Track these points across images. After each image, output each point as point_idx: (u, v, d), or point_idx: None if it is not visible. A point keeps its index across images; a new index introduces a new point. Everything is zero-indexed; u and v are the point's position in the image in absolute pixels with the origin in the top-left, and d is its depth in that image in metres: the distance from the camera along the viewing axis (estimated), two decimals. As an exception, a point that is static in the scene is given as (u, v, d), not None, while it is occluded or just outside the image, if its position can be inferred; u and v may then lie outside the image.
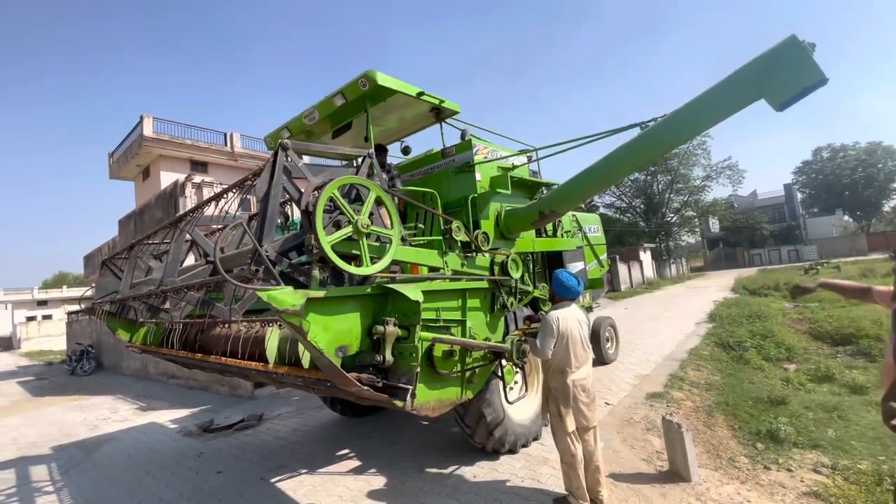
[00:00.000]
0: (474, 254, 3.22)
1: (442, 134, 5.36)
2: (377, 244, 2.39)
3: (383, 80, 4.15)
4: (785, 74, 2.99)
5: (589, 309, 9.10)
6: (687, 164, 38.41)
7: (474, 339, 2.98)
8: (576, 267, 7.22)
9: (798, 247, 43.69)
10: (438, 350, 2.63)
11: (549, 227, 6.92)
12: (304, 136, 5.31)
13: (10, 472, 5.40)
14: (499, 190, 4.92)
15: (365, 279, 2.43)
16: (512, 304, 3.39)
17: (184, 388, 10.10)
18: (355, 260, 2.22)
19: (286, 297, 1.85)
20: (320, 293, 2.01)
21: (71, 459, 5.72)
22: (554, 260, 6.94)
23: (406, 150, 5.48)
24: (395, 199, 4.49)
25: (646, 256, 34.25)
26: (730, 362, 7.69)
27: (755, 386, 6.36)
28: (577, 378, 3.16)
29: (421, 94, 4.53)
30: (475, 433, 4.13)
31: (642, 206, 44.64)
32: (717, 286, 22.79)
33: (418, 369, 2.29)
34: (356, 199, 2.35)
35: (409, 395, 2.13)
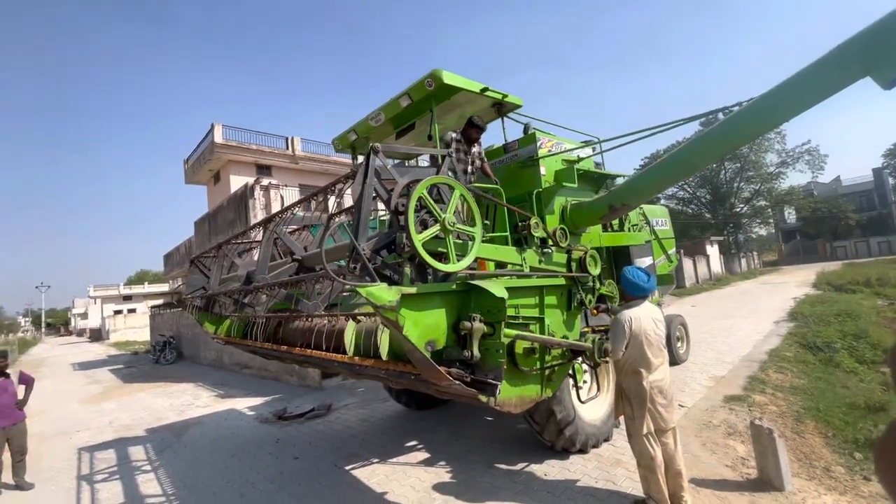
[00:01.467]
0: (552, 250, 3.16)
1: (503, 129, 5.30)
2: (459, 241, 2.42)
3: (449, 78, 4.18)
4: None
5: (658, 306, 8.72)
6: (759, 150, 35.48)
7: (553, 336, 2.94)
8: (644, 262, 6.92)
9: (890, 238, 39.13)
10: (519, 347, 2.63)
11: (616, 221, 6.69)
12: (369, 138, 5.48)
13: (111, 453, 6.03)
14: (564, 184, 4.81)
15: (447, 276, 2.47)
16: (590, 301, 3.31)
17: (256, 378, 10.78)
18: (441, 257, 2.26)
19: (383, 293, 1.93)
20: (412, 289, 2.07)
21: (163, 441, 6.30)
22: (621, 255, 6.69)
23: None
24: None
25: (712, 250, 32.15)
26: (818, 365, 7.06)
27: (849, 391, 5.81)
28: (654, 379, 3.03)
29: (485, 89, 4.52)
30: (544, 430, 4.09)
31: (708, 196, 41.94)
32: (795, 282, 20.97)
33: (505, 365, 2.31)
34: (438, 198, 2.39)
35: (497, 391, 2.15)
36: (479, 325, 2.21)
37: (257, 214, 10.93)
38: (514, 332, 2.51)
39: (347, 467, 4.60)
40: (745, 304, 14.91)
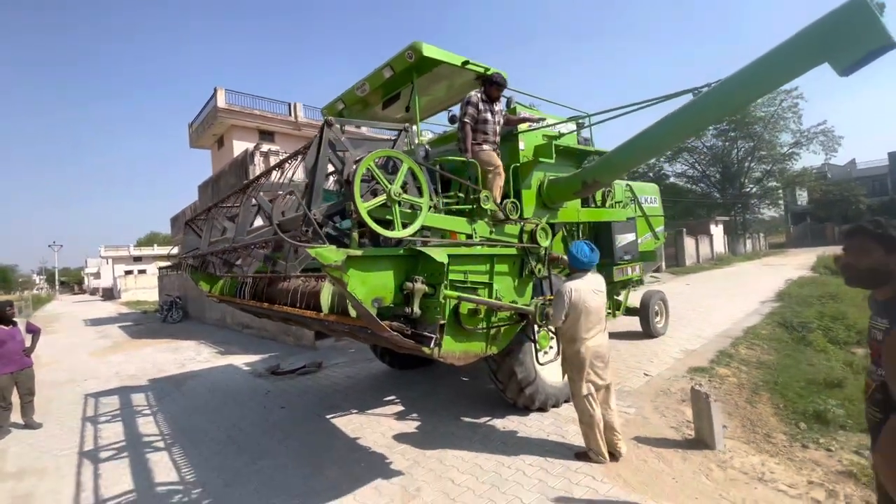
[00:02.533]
0: (505, 222, 3.37)
1: (487, 102, 5.38)
2: (410, 211, 2.64)
3: (428, 51, 4.29)
4: (849, 37, 2.78)
5: (640, 282, 8.92)
6: (773, 130, 34.58)
7: (500, 300, 3.19)
8: (625, 238, 7.09)
9: (901, 223, 38.45)
10: (464, 308, 2.89)
11: (598, 196, 6.82)
12: (357, 107, 5.61)
13: (115, 398, 6.51)
14: (541, 159, 4.95)
15: (400, 242, 2.71)
16: (539, 270, 3.54)
17: (256, 338, 11.29)
18: (390, 225, 2.48)
19: (330, 253, 2.18)
20: (358, 252, 2.31)
21: (163, 390, 6.77)
22: (602, 230, 6.86)
23: (453, 120, 5.61)
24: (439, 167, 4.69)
25: (717, 230, 31.99)
26: (790, 343, 7.29)
27: (813, 368, 6.05)
28: (592, 345, 3.31)
29: (466, 62, 4.61)
30: (507, 389, 4.42)
31: (718, 175, 41.26)
32: (795, 264, 21.00)
33: (442, 322, 2.57)
34: (395, 170, 2.58)
35: (432, 343, 2.43)
36: (420, 286, 2.46)
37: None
38: (455, 293, 2.76)
39: (328, 416, 5.00)
40: (740, 283, 15.07)
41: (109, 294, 41.66)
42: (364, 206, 2.30)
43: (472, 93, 4.36)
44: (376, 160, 2.38)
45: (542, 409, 4.53)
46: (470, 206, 3.12)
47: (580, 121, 5.91)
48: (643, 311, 7.87)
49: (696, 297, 12.81)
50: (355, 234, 2.45)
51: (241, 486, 3.55)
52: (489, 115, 4.27)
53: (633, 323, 8.15)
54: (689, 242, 26.13)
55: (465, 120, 4.19)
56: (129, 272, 43.28)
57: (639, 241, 7.63)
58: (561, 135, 5.47)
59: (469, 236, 3.09)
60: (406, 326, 2.44)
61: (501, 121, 4.37)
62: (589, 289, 3.27)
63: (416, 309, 2.45)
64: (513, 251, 3.35)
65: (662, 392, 5.08)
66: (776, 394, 5.12)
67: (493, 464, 3.57)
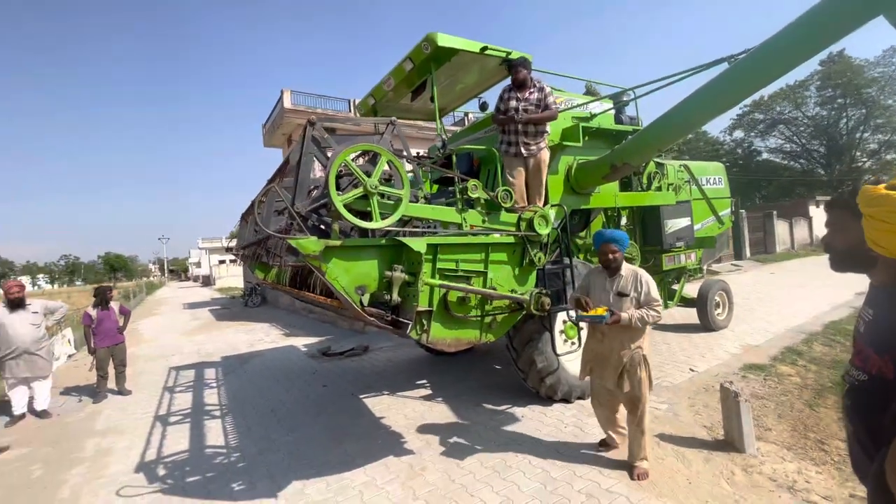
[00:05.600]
0: (500, 210, 3.33)
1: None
2: (390, 202, 2.72)
3: (443, 40, 4.29)
4: None
5: (699, 271, 8.23)
6: (892, 92, 29.64)
7: (495, 289, 3.17)
8: (678, 224, 6.61)
9: None
10: (453, 296, 2.92)
11: (645, 179, 6.40)
12: (388, 101, 5.77)
13: (192, 372, 7.41)
14: (566, 143, 4.76)
15: (386, 233, 2.81)
16: (540, 259, 3.44)
17: (319, 322, 12.11)
18: (371, 216, 2.58)
19: (310, 244, 2.34)
20: (337, 242, 2.44)
21: (231, 366, 7.57)
22: (650, 216, 6.45)
23: (483, 107, 5.57)
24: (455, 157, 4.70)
25: (817, 212, 28.21)
26: (881, 340, 6.36)
27: (904, 370, 5.25)
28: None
29: (484, 49, 4.55)
30: (528, 377, 4.39)
31: (822, 148, 36.33)
32: (914, 250, 17.94)
33: (421, 309, 2.64)
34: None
35: (409, 329, 2.52)
36: (398, 275, 2.55)
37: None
38: (437, 281, 2.80)
39: (361, 396, 5.31)
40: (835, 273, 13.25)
41: (207, 281, 46.74)
42: (339, 199, 2.42)
43: (505, 87, 4.31)
44: (355, 154, 2.49)
45: (566, 399, 4.44)
46: (460, 196, 3.12)
47: (618, 97, 5.56)
48: (701, 303, 7.27)
49: (778, 287, 11.53)
50: (335, 226, 2.59)
51: (272, 454, 3.93)
52: (512, 103, 4.16)
53: (692, 315, 7.57)
54: (780, 226, 23.40)
55: (494, 113, 4.21)
56: (221, 262, 48.13)
57: (697, 226, 7.06)
58: (592, 116, 5.21)
59: (459, 226, 3.11)
60: (386, 312, 2.55)
61: (530, 107, 4.08)
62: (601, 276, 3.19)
63: (395, 296, 2.54)
64: (511, 240, 3.30)
65: (704, 389, 4.72)
66: (847, 397, 4.54)
67: (501, 450, 3.59)
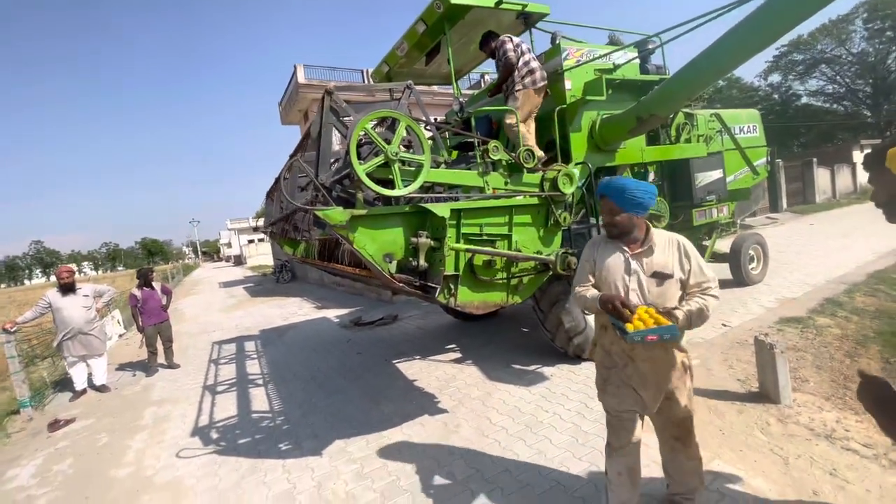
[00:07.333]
0: (523, 171, 3.27)
1: (531, 41, 5.06)
2: (411, 168, 2.71)
3: None
4: None
5: (733, 225, 7.93)
6: (951, 20, 26.94)
7: (520, 251, 3.16)
8: (709, 177, 6.37)
9: None
10: (479, 260, 2.93)
11: (673, 131, 6.14)
12: (402, 67, 5.65)
13: (233, 345, 7.80)
14: (591, 97, 4.58)
15: (410, 200, 2.82)
16: (565, 219, 3.39)
17: (348, 294, 12.44)
18: (393, 184, 2.59)
19: (336, 214, 2.38)
20: (362, 211, 2.48)
21: (268, 339, 7.93)
22: (679, 169, 6.21)
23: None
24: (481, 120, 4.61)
25: (862, 157, 26.47)
26: (931, 289, 6.06)
27: (955, 319, 5.01)
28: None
29: (500, 2, 4.36)
30: (556, 338, 4.43)
31: (868, 88, 33.67)
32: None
33: (447, 273, 2.67)
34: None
35: (437, 293, 2.56)
36: (423, 241, 2.57)
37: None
38: (463, 246, 2.80)
39: (394, 361, 5.50)
40: (881, 220, 12.53)
41: (238, 261, 48.33)
42: (361, 168, 2.43)
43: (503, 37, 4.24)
44: (374, 121, 2.47)
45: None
46: (481, 159, 3.08)
47: (643, 45, 5.27)
48: (734, 257, 7.06)
49: (819, 237, 11.05)
50: (360, 195, 2.61)
51: (315, 416, 4.16)
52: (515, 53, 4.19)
53: (724, 270, 7.38)
54: (821, 175, 22.11)
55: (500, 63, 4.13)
56: (251, 241, 49.46)
57: (729, 178, 6.77)
58: (616, 67, 4.97)
59: (482, 189, 3.08)
60: (415, 278, 2.60)
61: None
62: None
63: (423, 262, 2.58)
64: (535, 201, 3.26)
65: (738, 343, 4.65)
66: (890, 346, 4.40)
67: (532, 407, 3.68)
